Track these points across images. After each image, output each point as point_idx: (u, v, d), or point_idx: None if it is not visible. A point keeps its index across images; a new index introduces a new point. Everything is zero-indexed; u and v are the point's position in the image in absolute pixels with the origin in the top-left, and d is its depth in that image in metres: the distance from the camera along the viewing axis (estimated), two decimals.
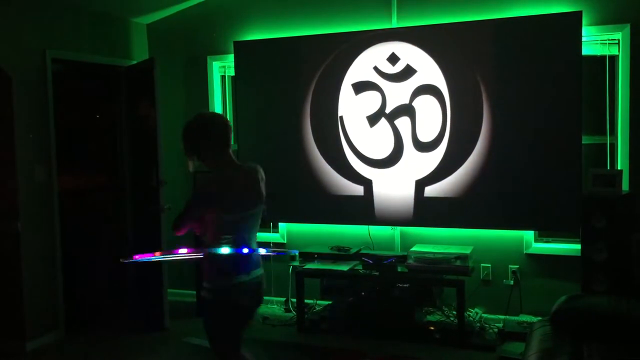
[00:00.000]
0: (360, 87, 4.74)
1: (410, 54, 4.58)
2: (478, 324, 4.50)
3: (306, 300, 4.76)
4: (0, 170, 4.15)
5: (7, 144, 4.19)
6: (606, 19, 4.25)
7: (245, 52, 5.05)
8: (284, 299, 5.14)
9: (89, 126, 5.82)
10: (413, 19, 4.71)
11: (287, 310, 5.08)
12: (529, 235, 4.55)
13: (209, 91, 5.40)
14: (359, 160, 4.77)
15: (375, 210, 4.72)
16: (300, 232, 5.18)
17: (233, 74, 5.26)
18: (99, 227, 5.56)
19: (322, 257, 4.75)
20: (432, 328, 4.39)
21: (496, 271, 4.64)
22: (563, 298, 3.21)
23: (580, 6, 4.22)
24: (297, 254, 4.81)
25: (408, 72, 4.59)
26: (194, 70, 5.46)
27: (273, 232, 5.26)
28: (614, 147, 4.38)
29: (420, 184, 4.59)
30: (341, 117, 4.80)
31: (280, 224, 5.24)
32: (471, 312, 4.61)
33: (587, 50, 4.27)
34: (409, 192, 4.63)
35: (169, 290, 4.88)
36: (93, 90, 5.70)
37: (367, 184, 4.75)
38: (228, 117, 5.34)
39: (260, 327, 4.73)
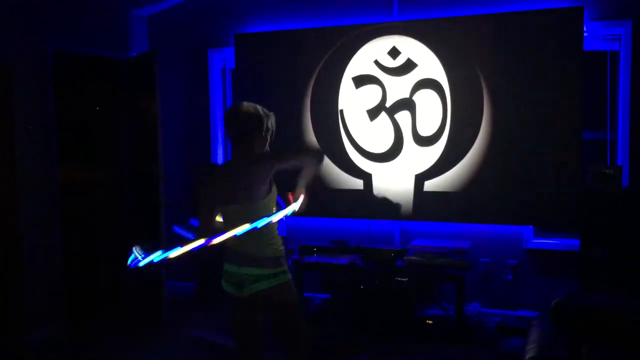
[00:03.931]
0: (360, 80, 4.72)
1: (411, 47, 4.57)
2: (476, 319, 4.51)
3: (305, 294, 4.77)
4: (0, 164, 4.14)
5: (7, 137, 4.18)
6: (608, 14, 4.23)
7: (246, 45, 5.03)
8: None
9: (89, 119, 5.80)
10: (414, 12, 4.69)
11: None
12: (528, 230, 4.55)
13: (209, 84, 5.39)
14: (358, 154, 4.76)
15: (375, 204, 4.72)
16: (299, 226, 5.17)
17: (233, 66, 5.25)
18: (99, 220, 5.55)
19: (321, 250, 4.76)
20: (430, 322, 4.40)
21: (495, 266, 4.64)
22: (562, 294, 3.22)
23: (582, 1, 4.20)
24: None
25: (409, 66, 4.58)
26: (194, 63, 5.45)
27: None
28: (614, 143, 4.37)
29: (420, 178, 4.59)
30: (341, 111, 4.79)
31: None
32: (470, 306, 4.62)
33: (588, 45, 4.26)
34: (409, 186, 4.63)
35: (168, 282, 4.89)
36: (93, 83, 5.67)
37: (366, 177, 4.75)
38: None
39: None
